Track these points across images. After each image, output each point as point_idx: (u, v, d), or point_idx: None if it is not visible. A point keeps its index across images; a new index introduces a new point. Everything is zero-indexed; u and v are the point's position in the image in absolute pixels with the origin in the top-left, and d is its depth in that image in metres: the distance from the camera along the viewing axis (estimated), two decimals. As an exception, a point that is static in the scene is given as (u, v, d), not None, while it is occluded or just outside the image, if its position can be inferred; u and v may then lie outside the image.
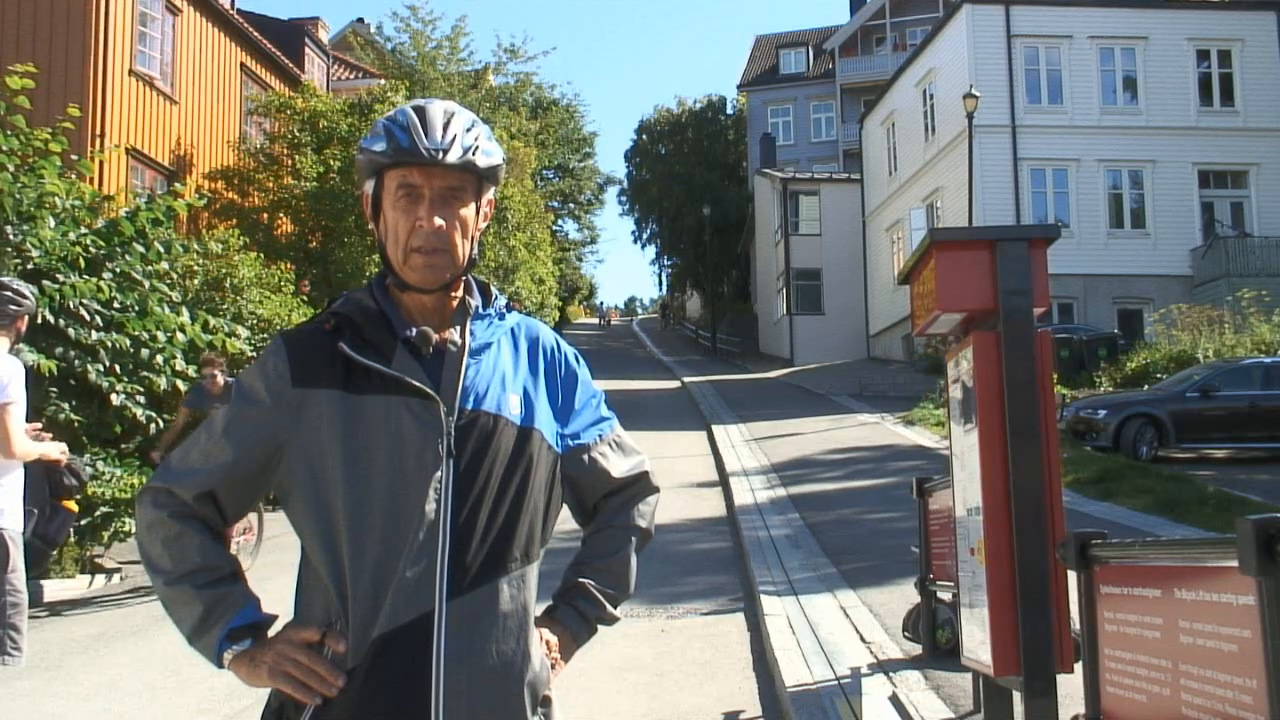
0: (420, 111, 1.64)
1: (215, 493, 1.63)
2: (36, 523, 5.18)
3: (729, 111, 52.60)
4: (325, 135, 19.99)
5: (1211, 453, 14.66)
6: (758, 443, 16.58)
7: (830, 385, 25.87)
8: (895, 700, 4.87)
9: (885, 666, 5.49)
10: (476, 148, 1.64)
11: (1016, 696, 3.60)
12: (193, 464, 1.64)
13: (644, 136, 53.47)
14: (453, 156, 1.61)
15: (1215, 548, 2.09)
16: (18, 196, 8.65)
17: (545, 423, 1.72)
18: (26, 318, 4.90)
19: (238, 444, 1.62)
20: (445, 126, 1.62)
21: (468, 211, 1.67)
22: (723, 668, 5.98)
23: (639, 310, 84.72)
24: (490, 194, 1.73)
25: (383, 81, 24.66)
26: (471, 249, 1.68)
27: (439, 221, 1.62)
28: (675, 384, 28.82)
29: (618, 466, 1.81)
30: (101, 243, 9.20)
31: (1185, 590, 2.09)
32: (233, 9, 22.19)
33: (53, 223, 8.83)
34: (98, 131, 16.23)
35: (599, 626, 1.79)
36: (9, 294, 4.76)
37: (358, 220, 18.84)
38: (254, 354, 11.08)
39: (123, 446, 9.76)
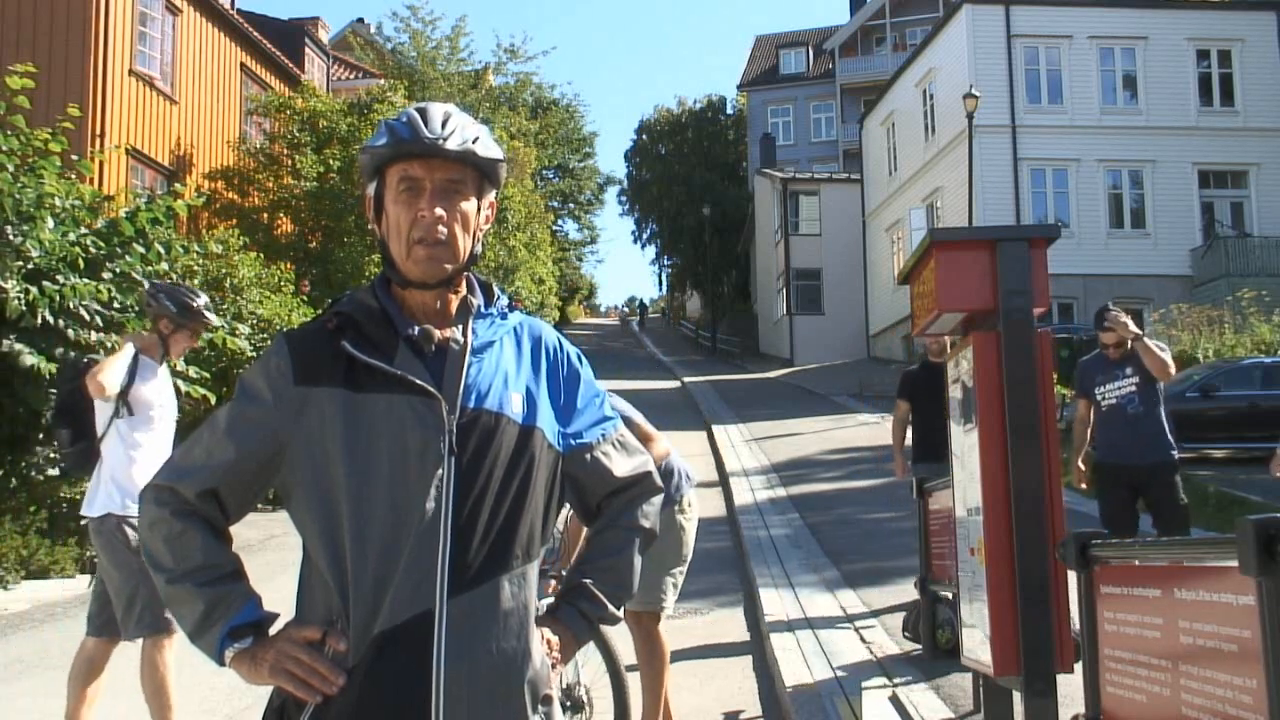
0: (421, 111, 1.68)
1: (218, 491, 1.64)
2: None
3: (729, 111, 52.57)
4: (325, 135, 20.03)
5: (1211, 453, 14.65)
6: (757, 443, 16.57)
7: (830, 385, 25.86)
8: (895, 700, 4.87)
9: (885, 666, 5.49)
10: (477, 139, 1.67)
11: (1016, 696, 3.60)
12: (195, 462, 1.65)
13: (644, 136, 53.44)
14: (453, 144, 1.63)
15: (1215, 548, 2.09)
16: (17, 197, 8.65)
17: (547, 422, 1.73)
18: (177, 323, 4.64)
19: (240, 442, 1.63)
20: (445, 122, 1.65)
21: (469, 206, 1.68)
22: (723, 668, 5.98)
23: (638, 310, 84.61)
24: (492, 196, 1.75)
25: (382, 81, 24.69)
26: (473, 246, 1.70)
27: (440, 211, 1.64)
28: (675, 384, 28.79)
29: (620, 466, 1.82)
30: (101, 243, 9.20)
31: (1185, 590, 2.09)
32: (233, 9, 22.18)
33: (52, 223, 8.82)
34: (98, 131, 16.23)
35: (601, 627, 1.79)
36: (184, 292, 4.65)
37: (358, 220, 18.84)
38: (254, 354, 11.08)
39: (123, 446, 9.73)
